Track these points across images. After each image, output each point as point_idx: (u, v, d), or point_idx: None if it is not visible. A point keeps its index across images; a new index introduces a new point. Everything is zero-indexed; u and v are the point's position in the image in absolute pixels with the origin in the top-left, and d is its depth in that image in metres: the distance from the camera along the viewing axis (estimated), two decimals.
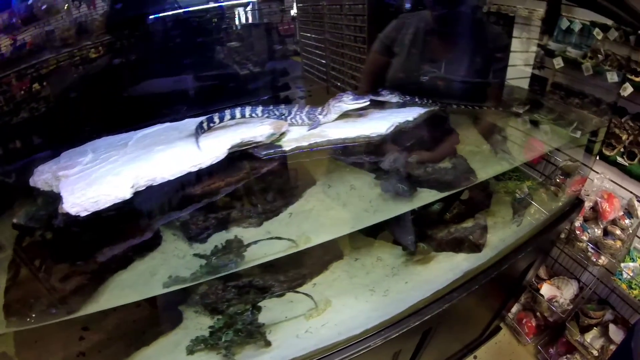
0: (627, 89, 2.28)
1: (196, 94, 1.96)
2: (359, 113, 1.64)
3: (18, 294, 1.30)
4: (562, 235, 2.45)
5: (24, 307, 1.29)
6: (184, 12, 1.83)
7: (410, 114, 1.62)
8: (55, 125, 1.68)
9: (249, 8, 2.05)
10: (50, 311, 1.26)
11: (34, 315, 1.26)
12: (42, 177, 1.39)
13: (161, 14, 1.79)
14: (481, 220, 1.80)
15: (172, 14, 1.80)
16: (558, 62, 2.48)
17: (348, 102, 1.51)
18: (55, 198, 1.27)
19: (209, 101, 1.86)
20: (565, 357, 2.60)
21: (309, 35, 2.49)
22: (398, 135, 1.56)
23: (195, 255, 1.37)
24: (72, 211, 1.19)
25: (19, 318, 1.25)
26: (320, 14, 2.49)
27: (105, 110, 1.76)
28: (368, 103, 1.52)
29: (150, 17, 1.76)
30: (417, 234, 1.72)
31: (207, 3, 2.00)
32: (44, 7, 1.53)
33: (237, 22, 2.06)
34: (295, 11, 2.28)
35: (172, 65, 1.87)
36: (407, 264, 1.70)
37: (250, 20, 2.10)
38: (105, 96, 1.75)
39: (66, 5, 1.59)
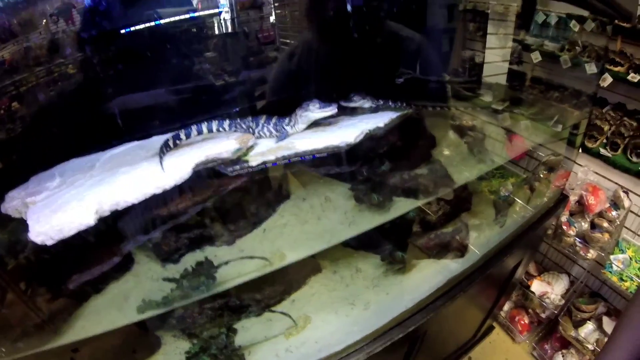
0: (607, 79, 2.27)
1: (171, 108, 1.91)
2: (328, 121, 1.59)
3: None
4: (549, 231, 2.42)
5: None
6: (157, 24, 1.78)
7: (382, 119, 1.57)
8: (26, 147, 1.64)
9: (227, 16, 2.01)
10: (18, 345, 1.22)
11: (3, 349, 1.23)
12: (12, 204, 1.35)
13: (132, 27, 1.73)
14: (463, 223, 1.77)
15: (145, 27, 1.75)
16: (536, 56, 2.46)
17: (315, 111, 1.46)
18: (25, 226, 1.24)
19: (184, 115, 1.82)
20: (560, 352, 2.57)
21: (289, 41, 2.45)
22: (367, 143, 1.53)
23: (164, 279, 1.32)
24: (38, 240, 1.16)
25: None
26: (300, 20, 2.46)
27: (75, 129, 1.71)
28: (335, 111, 1.47)
29: (122, 31, 1.71)
30: (395, 243, 1.68)
31: (183, 13, 1.95)
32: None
33: (215, 31, 2.02)
34: (275, 18, 2.25)
35: (146, 80, 1.82)
36: (387, 274, 1.66)
37: (229, 29, 2.06)
38: (74, 115, 1.71)
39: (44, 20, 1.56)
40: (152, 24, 1.75)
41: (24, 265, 1.40)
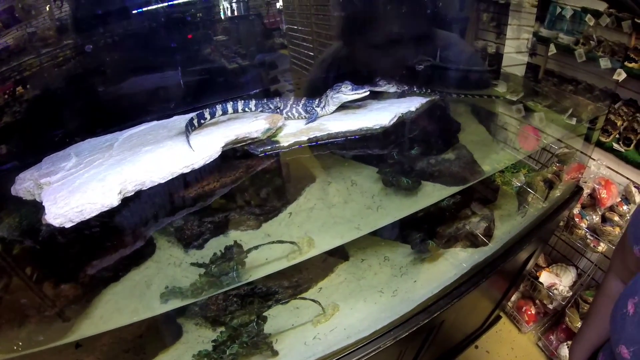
0: (621, 75, 2.27)
1: (183, 89, 1.86)
2: (357, 104, 1.56)
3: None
4: (562, 223, 2.44)
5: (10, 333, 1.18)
6: (167, 5, 1.72)
7: (412, 104, 1.55)
8: (36, 128, 1.55)
9: (234, 1, 1.97)
10: (38, 338, 1.14)
11: (20, 344, 1.15)
12: (24, 185, 1.27)
13: (144, 8, 1.67)
14: (487, 215, 1.75)
15: (155, 8, 1.69)
16: (551, 49, 2.45)
17: (347, 93, 1.42)
18: (39, 208, 1.16)
19: (196, 97, 1.77)
20: (565, 343, 2.60)
21: (295, 27, 2.41)
22: (399, 127, 1.50)
23: (193, 264, 1.26)
24: (56, 223, 1.08)
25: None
26: (306, 6, 2.42)
27: (89, 110, 1.64)
28: (368, 93, 1.43)
29: (133, 11, 1.64)
30: (425, 231, 1.66)
31: None
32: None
33: (222, 15, 1.97)
34: (281, 3, 2.21)
35: (158, 61, 1.76)
36: (416, 263, 1.64)
37: (235, 14, 2.02)
38: (88, 96, 1.63)
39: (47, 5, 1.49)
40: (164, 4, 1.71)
41: (35, 251, 1.33)
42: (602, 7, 2.28)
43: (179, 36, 1.81)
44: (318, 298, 1.47)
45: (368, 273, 1.61)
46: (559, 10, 2.50)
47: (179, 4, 1.77)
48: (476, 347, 2.75)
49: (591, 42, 2.38)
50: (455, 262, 1.65)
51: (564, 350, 2.58)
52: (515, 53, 2.47)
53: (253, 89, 1.98)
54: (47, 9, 1.51)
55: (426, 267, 1.63)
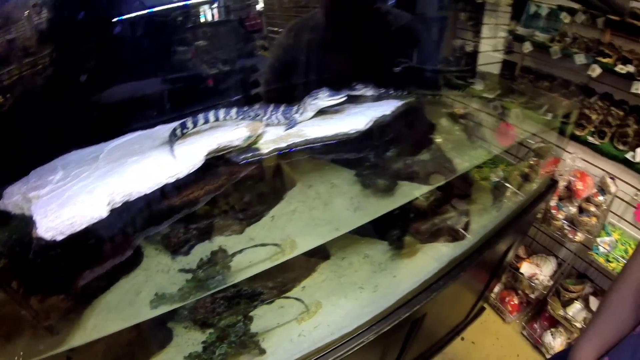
0: (596, 70, 2.35)
1: (165, 98, 1.89)
2: (335, 109, 1.62)
3: None
4: (539, 215, 2.52)
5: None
6: (146, 12, 1.74)
7: (388, 107, 1.60)
8: (20, 140, 1.59)
9: (213, 4, 1.99)
10: (38, 347, 1.19)
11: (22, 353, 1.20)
12: (12, 200, 1.29)
13: (122, 16, 1.70)
14: (463, 209, 1.83)
15: (134, 15, 1.72)
16: (527, 47, 2.53)
17: (324, 99, 1.48)
18: (27, 221, 1.20)
19: (180, 105, 1.81)
20: (549, 331, 2.70)
21: (277, 29, 2.44)
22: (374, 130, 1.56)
23: (180, 270, 1.32)
24: (47, 236, 1.11)
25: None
26: (288, 8, 2.45)
27: (69, 121, 1.67)
28: (345, 99, 1.49)
29: (113, 19, 1.67)
30: (402, 228, 1.73)
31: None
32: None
33: (201, 19, 1.99)
34: (262, 5, 2.24)
35: (137, 69, 1.79)
36: (394, 258, 1.71)
37: (215, 17, 2.04)
38: (66, 106, 1.66)
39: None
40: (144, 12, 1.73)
41: (25, 264, 1.37)
42: (577, 4, 2.35)
43: (156, 42, 1.82)
44: (301, 297, 1.54)
45: (349, 270, 1.68)
46: (534, 8, 2.57)
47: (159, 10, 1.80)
48: (462, 338, 2.84)
49: (566, 39, 2.46)
50: (434, 256, 1.72)
51: (548, 338, 2.68)
52: (491, 51, 2.54)
53: (234, 95, 2.01)
54: (26, 14, 1.53)
55: (405, 263, 1.70)
